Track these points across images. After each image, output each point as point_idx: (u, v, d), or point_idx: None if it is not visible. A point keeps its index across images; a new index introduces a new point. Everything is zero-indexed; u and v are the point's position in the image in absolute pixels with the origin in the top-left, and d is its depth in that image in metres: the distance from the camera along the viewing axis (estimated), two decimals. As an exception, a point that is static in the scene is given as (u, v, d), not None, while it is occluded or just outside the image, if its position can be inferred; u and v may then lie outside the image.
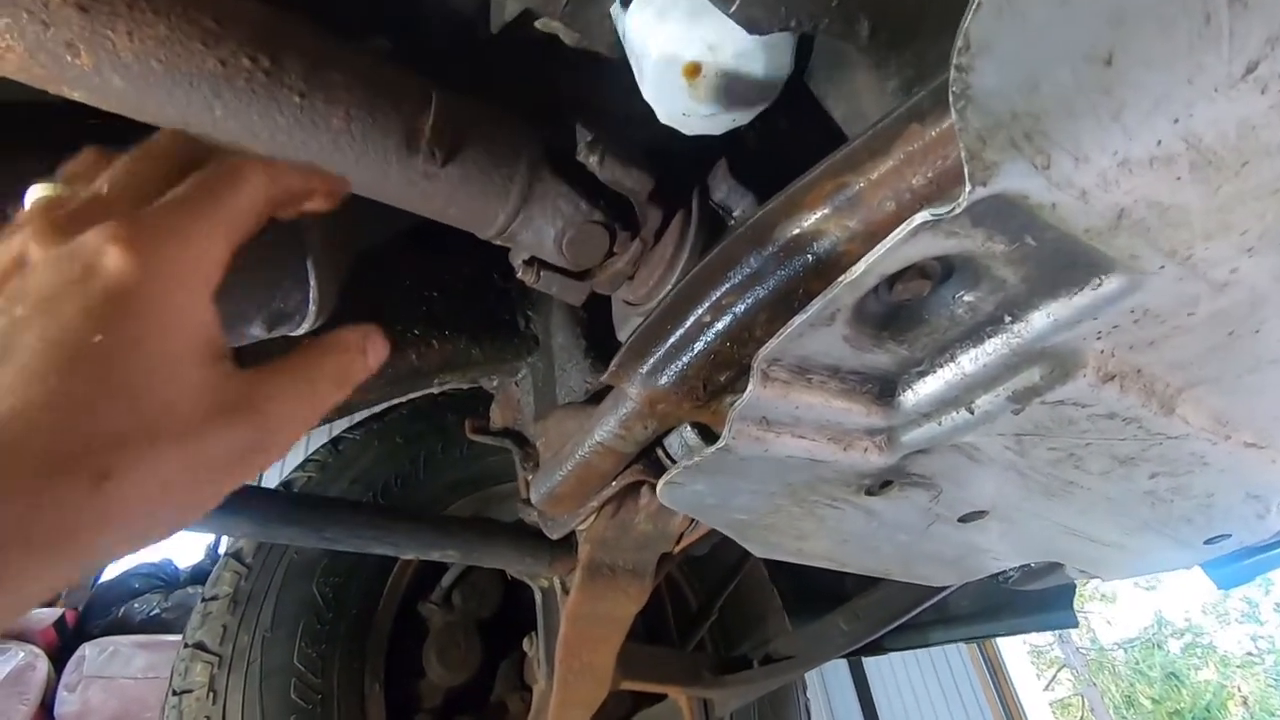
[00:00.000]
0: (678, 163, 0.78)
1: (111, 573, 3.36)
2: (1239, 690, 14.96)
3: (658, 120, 0.65)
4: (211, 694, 1.11)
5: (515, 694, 1.42)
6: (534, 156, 0.65)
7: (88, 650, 2.69)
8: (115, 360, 0.28)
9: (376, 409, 1.57)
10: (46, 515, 0.25)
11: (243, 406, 0.31)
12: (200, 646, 1.16)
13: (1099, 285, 0.48)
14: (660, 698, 1.32)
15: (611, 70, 0.68)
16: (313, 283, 0.70)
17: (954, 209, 0.38)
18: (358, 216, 0.79)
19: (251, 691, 1.11)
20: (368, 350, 0.37)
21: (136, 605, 3.05)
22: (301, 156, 0.57)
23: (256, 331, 0.69)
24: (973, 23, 0.31)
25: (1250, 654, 15.51)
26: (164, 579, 3.31)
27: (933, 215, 0.39)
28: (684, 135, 0.72)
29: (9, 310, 0.28)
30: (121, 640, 2.76)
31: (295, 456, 1.40)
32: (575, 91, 0.78)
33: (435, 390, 1.69)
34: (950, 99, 0.33)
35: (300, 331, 0.74)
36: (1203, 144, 0.36)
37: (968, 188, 0.36)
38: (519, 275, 0.73)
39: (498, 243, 0.71)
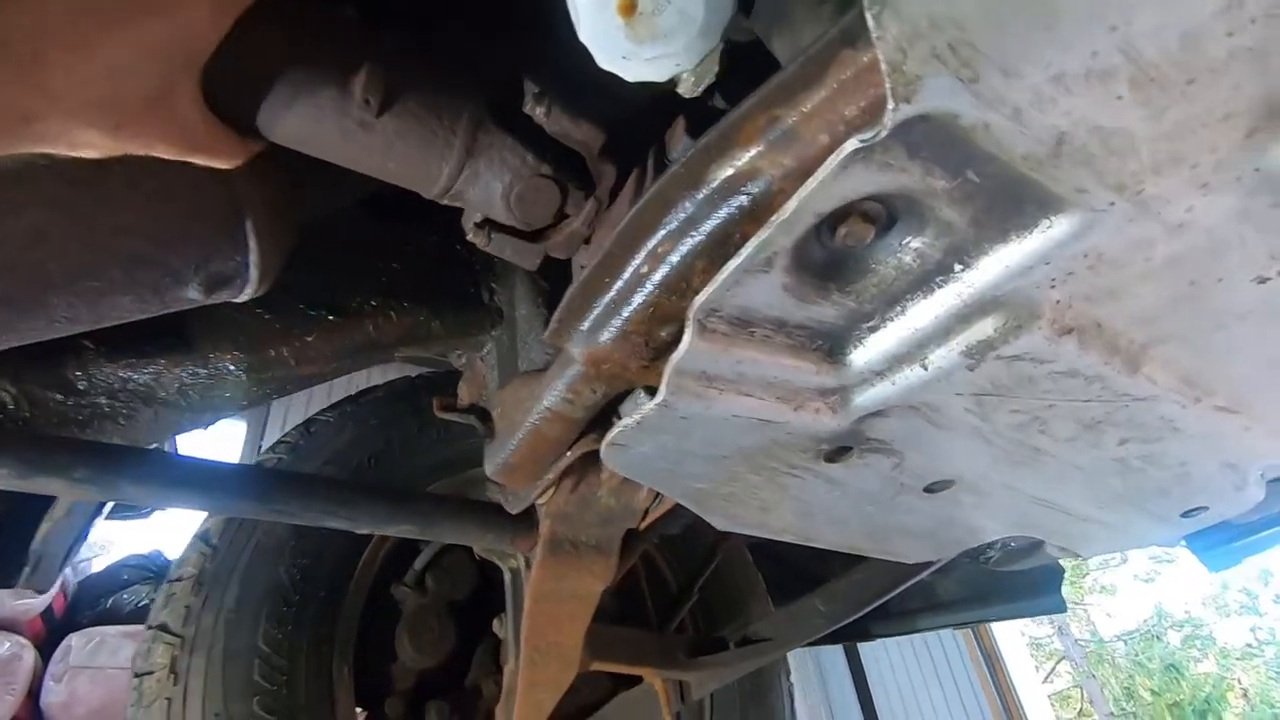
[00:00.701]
0: (635, 122, 0.76)
1: (101, 564, 3.36)
2: (1239, 682, 14.97)
3: (609, 77, 0.63)
4: (173, 675, 1.09)
5: (490, 678, 1.40)
6: (478, 108, 0.63)
7: (74, 640, 2.68)
8: None
9: (353, 391, 1.55)
10: None
11: None
12: (163, 628, 1.14)
13: (1049, 227, 0.46)
14: (638, 681, 1.30)
15: (561, 24, 0.66)
16: (252, 245, 0.67)
17: (879, 131, 0.35)
18: (303, 179, 0.76)
19: (213, 672, 1.09)
20: None
21: (125, 596, 3.04)
22: None
23: (194, 295, 0.66)
24: (882, -88, 0.28)
25: (1250, 645, 15.52)
26: (154, 570, 3.30)
27: (860, 141, 0.37)
28: (638, 92, 0.70)
29: None
30: (109, 630, 2.75)
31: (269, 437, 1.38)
32: (526, 49, 0.76)
33: (413, 373, 1.67)
34: (864, 3, 0.31)
35: (243, 298, 0.72)
36: (1144, 58, 0.34)
37: (890, 105, 0.34)
38: (470, 237, 0.71)
39: (445, 202, 0.69)
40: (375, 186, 0.88)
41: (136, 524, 3.66)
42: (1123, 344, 0.57)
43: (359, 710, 1.27)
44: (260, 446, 4.23)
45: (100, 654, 2.64)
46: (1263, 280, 0.52)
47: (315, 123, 0.58)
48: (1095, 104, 0.35)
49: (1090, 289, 0.51)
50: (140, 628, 2.80)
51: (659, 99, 0.76)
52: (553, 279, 0.96)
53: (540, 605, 0.93)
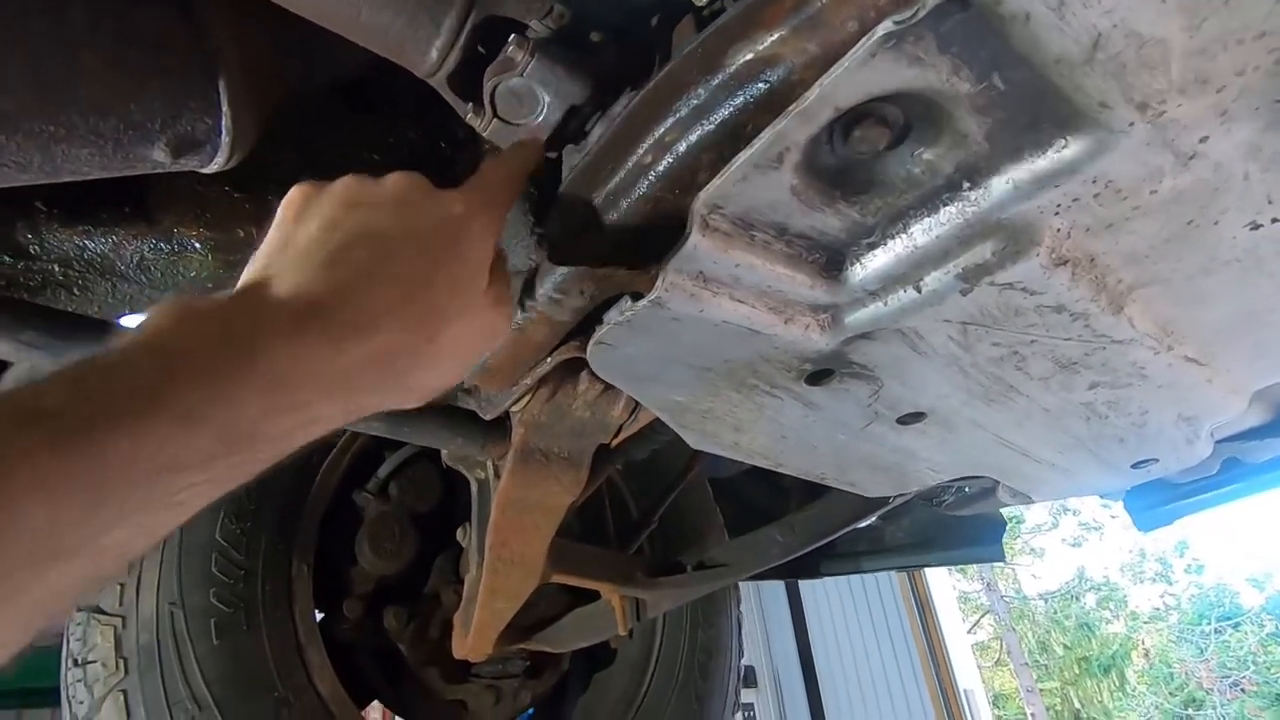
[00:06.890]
0: (642, 17, 0.72)
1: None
2: (1143, 643, 16.22)
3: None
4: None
5: (449, 587, 1.43)
6: None
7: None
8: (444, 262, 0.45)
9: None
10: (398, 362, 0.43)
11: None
12: (118, 517, 1.12)
13: (1063, 146, 0.45)
14: (595, 598, 1.34)
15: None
16: (225, 108, 0.63)
17: (918, 10, 0.34)
18: (283, 44, 0.71)
19: (169, 561, 1.09)
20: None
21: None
22: None
23: (159, 156, 0.62)
24: None
25: (1157, 610, 16.77)
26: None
27: (895, 24, 0.35)
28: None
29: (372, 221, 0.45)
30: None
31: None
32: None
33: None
34: None
35: (213, 168, 0.68)
36: (1196, -45, 0.33)
37: (934, -20, 0.32)
38: (467, 118, 0.67)
39: (434, 83, 0.65)
40: (355, 68, 0.83)
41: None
42: (1111, 282, 0.57)
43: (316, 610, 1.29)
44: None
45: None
46: (1256, 226, 0.53)
47: None
48: (1137, 4, 0.34)
49: (1091, 220, 0.51)
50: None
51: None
52: (536, 184, 0.93)
53: (507, 514, 0.94)
